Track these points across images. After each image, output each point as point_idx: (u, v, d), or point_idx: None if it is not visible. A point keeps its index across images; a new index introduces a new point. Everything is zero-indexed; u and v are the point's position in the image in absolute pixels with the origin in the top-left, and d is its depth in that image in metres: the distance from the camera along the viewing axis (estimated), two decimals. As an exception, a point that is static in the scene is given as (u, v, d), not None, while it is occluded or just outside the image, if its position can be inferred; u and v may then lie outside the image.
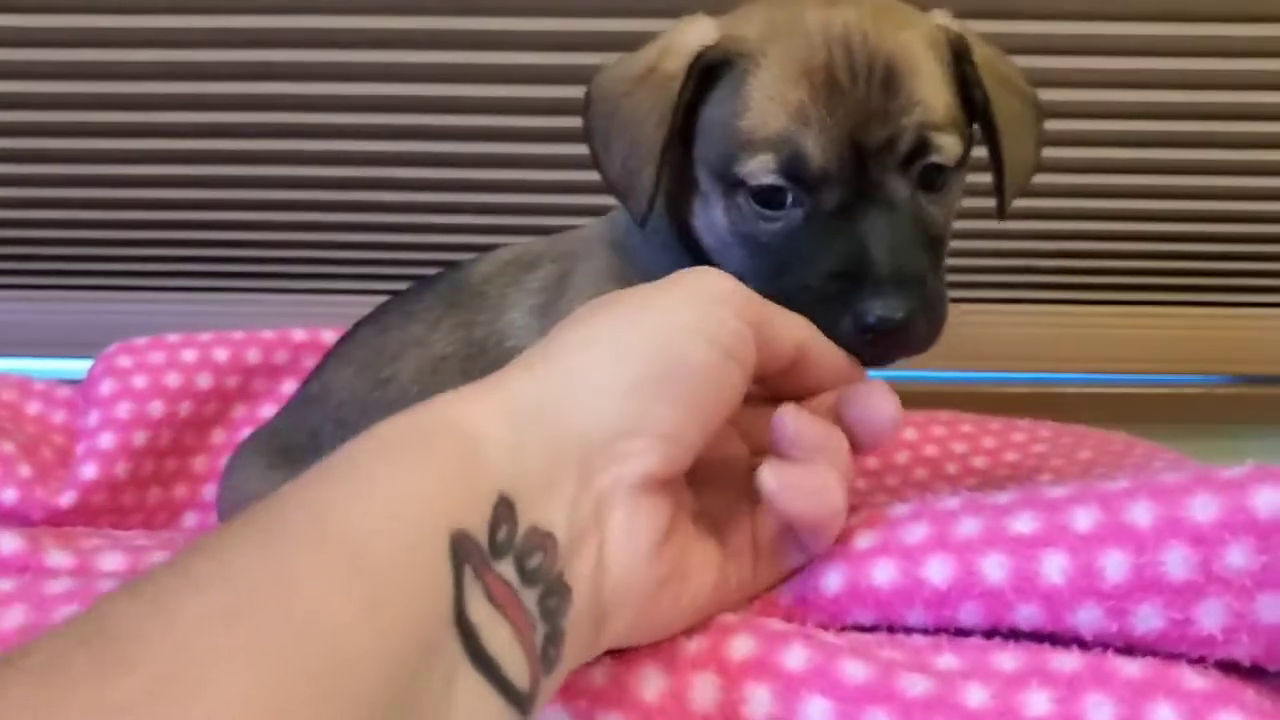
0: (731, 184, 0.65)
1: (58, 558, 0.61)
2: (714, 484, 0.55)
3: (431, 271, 0.93)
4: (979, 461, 0.99)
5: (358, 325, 0.91)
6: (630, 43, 1.12)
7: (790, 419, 0.51)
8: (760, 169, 0.63)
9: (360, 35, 1.20)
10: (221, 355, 1.01)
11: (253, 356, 1.03)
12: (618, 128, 0.69)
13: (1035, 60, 1.21)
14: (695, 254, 0.72)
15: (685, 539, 0.49)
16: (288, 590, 0.34)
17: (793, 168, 0.63)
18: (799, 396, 0.56)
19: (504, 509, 0.41)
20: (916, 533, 0.51)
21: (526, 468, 0.43)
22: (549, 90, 1.22)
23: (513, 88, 1.22)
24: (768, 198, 0.64)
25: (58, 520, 0.87)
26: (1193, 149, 1.28)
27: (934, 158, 0.64)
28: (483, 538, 0.40)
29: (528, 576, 0.41)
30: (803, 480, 0.50)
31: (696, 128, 0.68)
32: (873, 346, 0.62)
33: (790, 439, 0.51)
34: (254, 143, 1.28)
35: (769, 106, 0.63)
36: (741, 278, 0.65)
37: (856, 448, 0.54)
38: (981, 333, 1.36)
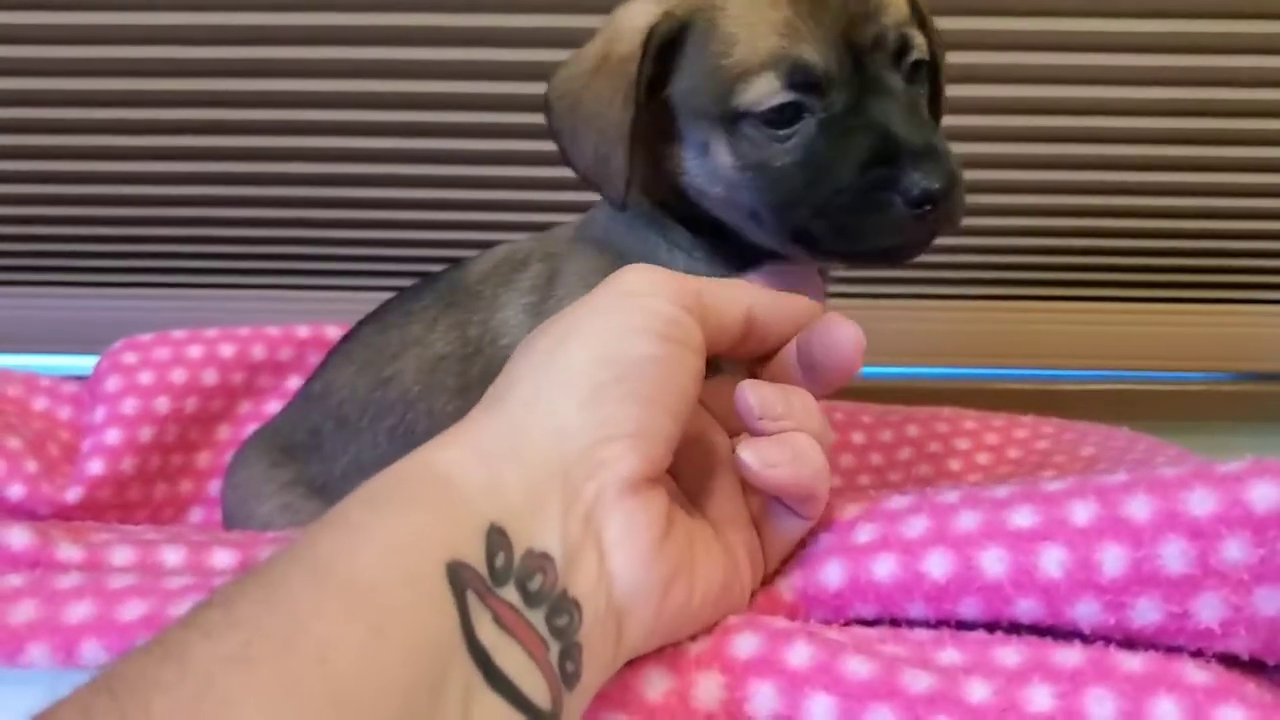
0: (733, 120, 0.67)
1: (68, 552, 0.61)
2: (700, 470, 0.55)
3: (435, 266, 0.93)
4: (983, 458, 0.99)
5: (360, 324, 0.92)
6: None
7: (750, 393, 0.52)
8: (766, 92, 0.65)
9: (365, 32, 1.20)
10: (227, 351, 1.02)
11: (258, 353, 1.03)
12: (582, 120, 0.71)
13: (1040, 57, 1.22)
14: (688, 221, 0.74)
15: (684, 531, 0.49)
16: (295, 630, 0.35)
17: (797, 79, 0.64)
18: (765, 359, 0.57)
19: (498, 536, 0.42)
20: (916, 526, 0.52)
21: (508, 501, 0.43)
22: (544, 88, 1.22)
23: (516, 84, 1.23)
24: (777, 118, 0.66)
25: (64, 515, 0.88)
26: (1194, 145, 1.28)
27: (915, 54, 0.67)
28: (481, 566, 0.40)
29: (531, 598, 0.41)
30: (779, 452, 0.50)
31: (671, 91, 0.69)
32: (924, 221, 0.64)
33: (755, 412, 0.51)
34: (257, 139, 1.28)
35: (755, 33, 0.65)
36: (756, 214, 0.69)
37: (828, 384, 0.55)
38: (985, 329, 1.36)
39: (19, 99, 1.25)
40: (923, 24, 0.71)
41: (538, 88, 1.21)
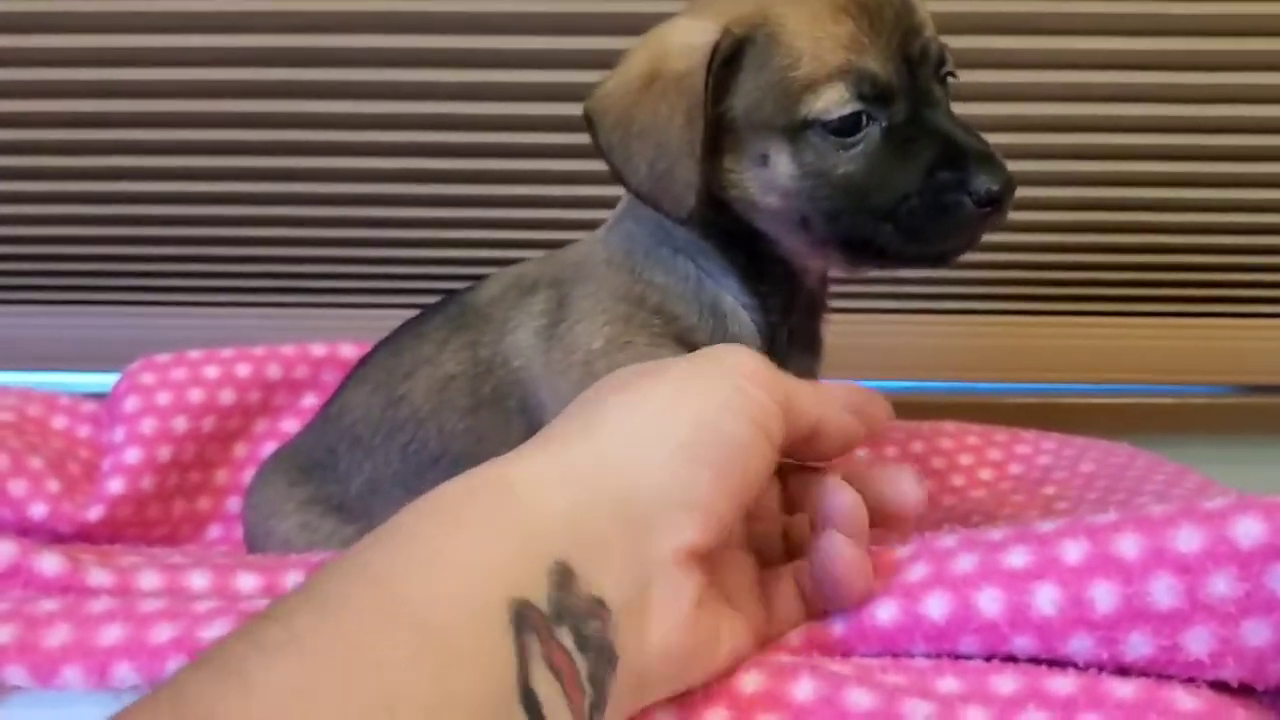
0: (799, 129, 0.69)
1: (98, 577, 0.63)
2: (729, 548, 0.56)
3: (451, 285, 0.95)
4: (985, 474, 1.01)
5: (376, 347, 0.94)
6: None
7: (849, 495, 0.53)
8: (835, 102, 0.68)
9: (379, 54, 1.21)
10: (243, 371, 1.03)
11: (273, 372, 1.05)
12: (636, 137, 0.71)
13: (1043, 75, 1.23)
14: (729, 236, 0.76)
15: (715, 608, 0.50)
16: (362, 669, 0.35)
17: (865, 90, 0.68)
18: (810, 463, 0.58)
19: (562, 575, 0.42)
20: (917, 572, 0.53)
21: (580, 532, 0.44)
22: (563, 108, 1.23)
23: (527, 105, 1.24)
24: (844, 126, 0.68)
25: (86, 534, 0.90)
26: (1191, 161, 1.29)
27: (949, 66, 0.72)
28: (544, 603, 0.41)
29: (583, 643, 0.42)
30: (854, 553, 0.52)
31: (728, 105, 0.71)
32: (986, 221, 0.68)
33: (845, 513, 0.52)
34: (273, 160, 1.29)
35: (821, 47, 0.67)
36: (807, 222, 0.71)
37: (874, 521, 0.56)
38: (986, 344, 1.37)
39: (38, 121, 1.27)
40: None
41: (549, 108, 1.24)
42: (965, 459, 1.03)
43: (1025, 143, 1.25)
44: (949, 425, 1.08)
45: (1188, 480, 0.87)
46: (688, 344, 0.77)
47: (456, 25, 1.20)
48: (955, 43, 0.73)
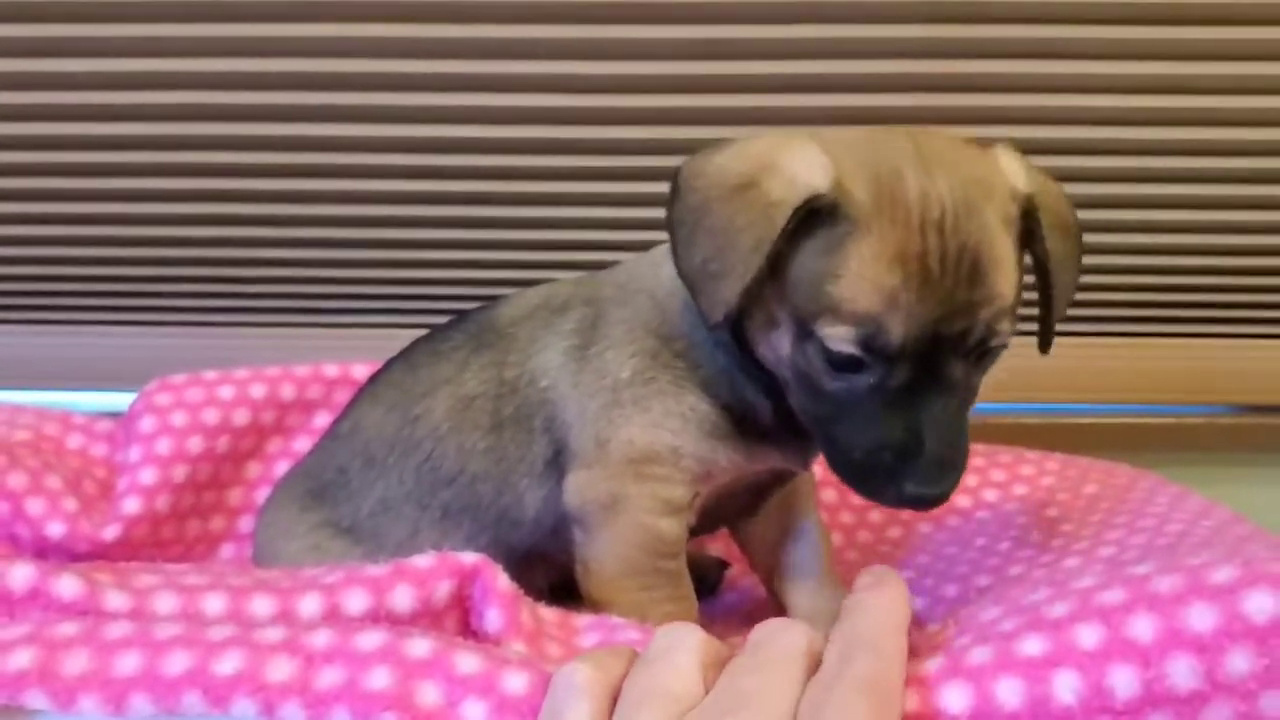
0: (807, 333, 0.67)
1: (116, 600, 0.64)
2: None
3: (462, 306, 0.96)
4: (989, 495, 1.01)
5: (387, 365, 0.94)
6: (657, 85, 1.15)
7: None
8: (841, 338, 0.65)
9: (390, 79, 1.23)
10: (258, 391, 1.04)
11: (287, 392, 1.06)
12: (706, 229, 0.69)
13: (1052, 99, 1.24)
14: (745, 351, 0.75)
15: None
16: None
17: (872, 345, 0.65)
18: None
19: None
20: (933, 663, 0.53)
21: None
22: (575, 131, 1.25)
23: (538, 129, 1.26)
24: (840, 361, 0.66)
25: (102, 553, 0.91)
26: (1194, 184, 1.30)
27: (993, 342, 0.67)
28: None
29: None
30: None
31: (786, 261, 0.67)
32: (905, 507, 0.68)
33: None
34: (286, 182, 1.31)
35: (863, 285, 0.64)
36: (787, 389, 0.71)
37: None
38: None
39: (52, 143, 1.28)
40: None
41: (560, 131, 1.25)
42: (970, 480, 1.04)
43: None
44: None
45: (1190, 503, 0.87)
46: (710, 393, 0.77)
47: (470, 50, 1.21)
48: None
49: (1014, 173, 0.69)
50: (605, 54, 1.20)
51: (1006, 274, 0.65)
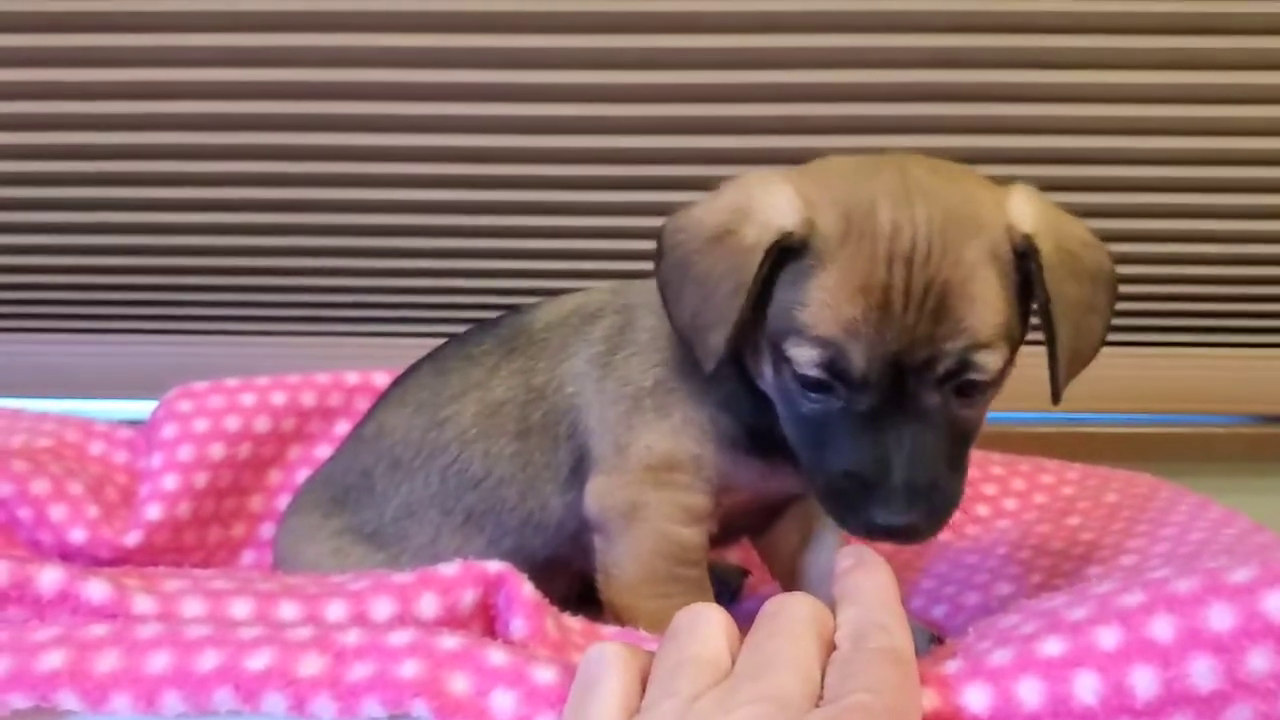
0: (782, 358, 0.68)
1: (143, 604, 0.64)
2: None
3: (480, 316, 0.96)
4: (1009, 504, 1.02)
5: (414, 367, 0.94)
6: (677, 94, 1.16)
7: None
8: (807, 361, 0.66)
9: (412, 89, 1.24)
10: (279, 399, 1.05)
11: (308, 399, 1.06)
12: (690, 282, 0.71)
13: (1062, 109, 1.24)
14: (748, 380, 0.76)
15: None
16: None
17: (835, 370, 0.66)
18: None
19: None
20: (954, 664, 0.53)
21: None
22: (596, 141, 1.26)
23: (560, 139, 1.27)
24: (810, 384, 0.67)
25: (123, 559, 0.91)
26: (1216, 193, 1.30)
27: (972, 375, 0.66)
28: None
29: None
30: None
31: (767, 293, 0.69)
32: (874, 539, 0.67)
33: None
34: (307, 191, 1.31)
35: (825, 313, 0.65)
36: (779, 413, 0.71)
37: None
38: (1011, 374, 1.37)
39: (73, 153, 1.29)
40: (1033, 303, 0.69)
41: (583, 140, 1.25)
42: (989, 488, 1.04)
43: (1046, 175, 1.27)
44: (973, 454, 1.09)
45: (1210, 512, 0.87)
46: (729, 409, 0.77)
47: (491, 60, 1.22)
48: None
49: (1019, 212, 0.68)
50: (624, 63, 1.21)
51: (982, 311, 0.65)
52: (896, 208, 0.66)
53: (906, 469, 0.65)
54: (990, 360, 0.66)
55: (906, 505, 0.65)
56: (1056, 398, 0.72)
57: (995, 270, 0.66)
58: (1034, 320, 0.70)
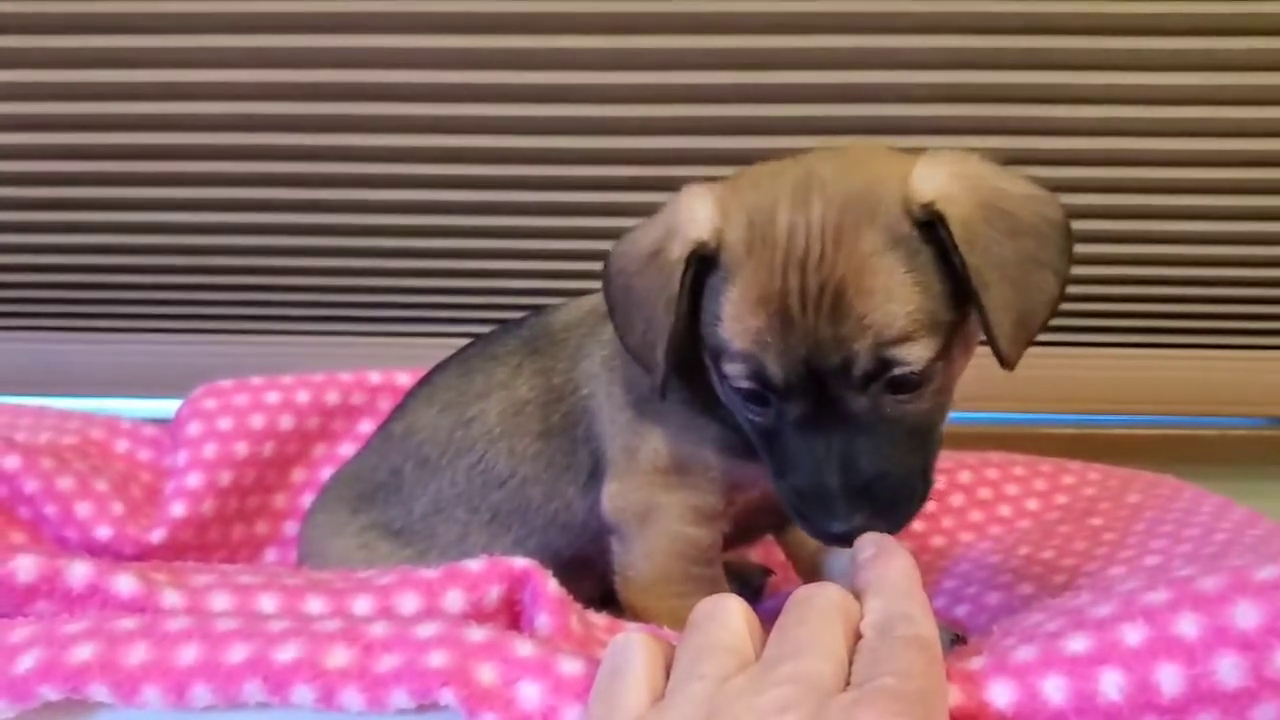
0: (720, 372, 0.69)
1: (171, 599, 0.64)
2: None
3: (502, 316, 0.96)
4: (1032, 504, 1.01)
5: (440, 367, 0.95)
6: (693, 95, 1.16)
7: None
8: (736, 374, 0.67)
9: (435, 90, 1.25)
10: (303, 397, 1.05)
11: (332, 398, 1.07)
12: (634, 304, 0.72)
13: (1071, 110, 1.24)
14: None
15: None
16: None
17: (761, 379, 0.66)
18: None
19: None
20: (979, 661, 0.53)
21: None
22: (616, 142, 1.26)
23: (581, 139, 1.27)
24: (750, 396, 0.68)
25: (148, 556, 0.92)
26: (1233, 195, 1.30)
27: (896, 371, 0.64)
28: None
29: None
30: None
31: (699, 307, 0.69)
32: (836, 544, 0.67)
33: None
34: (332, 192, 1.32)
35: (736, 327, 0.66)
36: (746, 429, 0.70)
37: None
38: (1032, 375, 1.36)
39: (98, 153, 1.30)
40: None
41: (603, 142, 1.26)
42: (1011, 489, 1.04)
43: (1068, 176, 1.27)
44: (995, 456, 1.09)
45: (1233, 513, 0.87)
46: (715, 417, 0.77)
47: (510, 62, 1.23)
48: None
49: (921, 182, 0.65)
50: (641, 64, 1.21)
51: (883, 304, 0.63)
52: (794, 209, 0.65)
53: (840, 474, 0.64)
54: (911, 352, 0.63)
55: (847, 510, 0.64)
56: (1004, 364, 0.66)
57: (897, 255, 0.64)
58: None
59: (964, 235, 0.63)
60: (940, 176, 0.65)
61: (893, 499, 0.66)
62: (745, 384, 0.67)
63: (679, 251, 0.68)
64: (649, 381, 0.75)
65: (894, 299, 0.63)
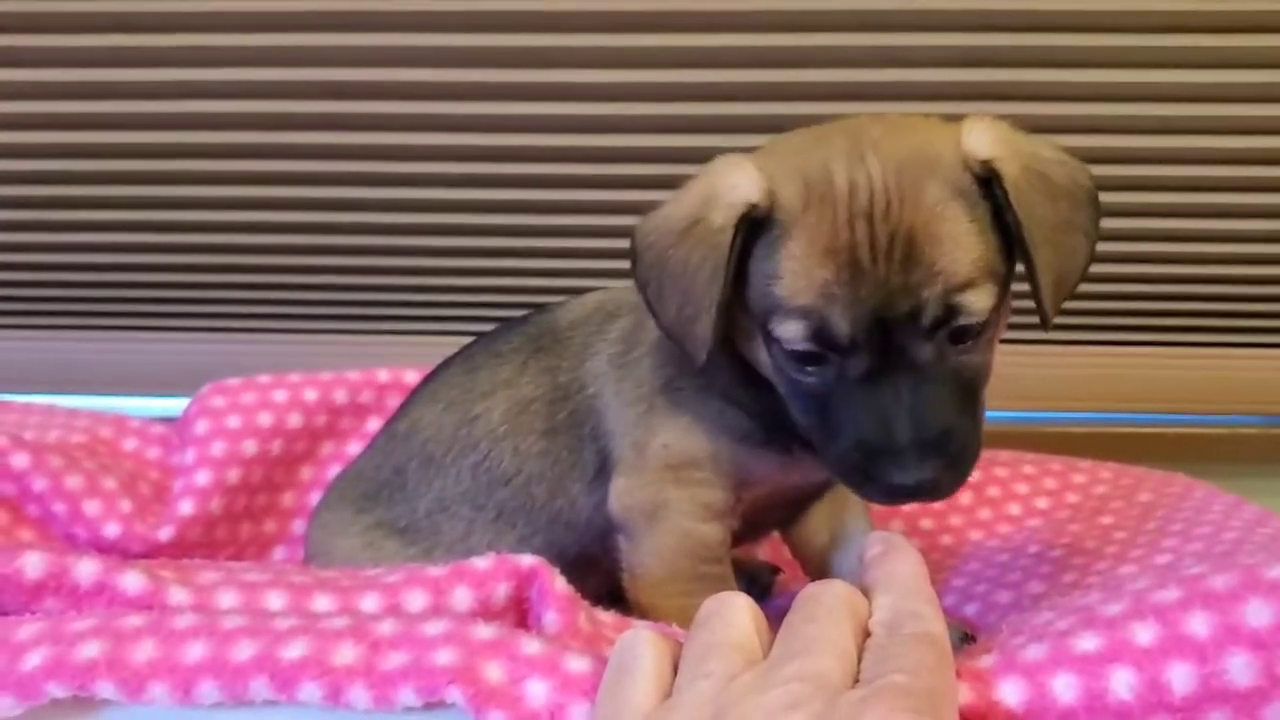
0: (771, 338, 0.68)
1: (178, 596, 0.64)
2: None
3: (508, 314, 0.96)
4: (1041, 503, 1.01)
5: (444, 365, 0.95)
6: (700, 93, 1.16)
7: None
8: (794, 335, 0.66)
9: (442, 88, 1.24)
10: (311, 395, 1.05)
11: (340, 396, 1.07)
12: (669, 279, 0.71)
13: (1082, 108, 1.23)
14: (747, 369, 0.75)
15: None
16: None
17: (822, 337, 0.65)
18: None
19: None
20: (989, 659, 0.53)
21: None
22: (621, 140, 1.26)
23: (584, 137, 1.27)
24: (803, 357, 0.67)
25: (156, 553, 0.92)
26: (1243, 193, 1.29)
27: (961, 320, 0.65)
28: None
29: None
30: None
31: (745, 274, 0.69)
32: (899, 503, 0.67)
33: None
34: (340, 190, 1.32)
35: (798, 281, 0.65)
36: (784, 396, 0.70)
37: None
38: (1042, 373, 1.38)
39: (107, 152, 1.30)
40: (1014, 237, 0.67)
41: (609, 139, 1.26)
42: (1021, 487, 1.04)
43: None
44: (1004, 454, 1.09)
45: (1244, 512, 0.87)
46: (735, 402, 0.77)
47: (516, 59, 1.22)
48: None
49: (975, 141, 0.67)
50: (648, 62, 1.21)
51: (952, 250, 0.64)
52: (851, 167, 0.66)
53: (912, 425, 0.64)
54: (976, 300, 0.65)
55: (919, 461, 0.64)
56: (1045, 323, 0.69)
57: (960, 206, 0.65)
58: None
59: (1016, 195, 0.66)
60: (990, 138, 0.67)
61: (960, 450, 0.66)
62: (803, 345, 0.66)
63: (723, 218, 0.68)
64: (673, 367, 0.76)
65: (961, 246, 0.65)
